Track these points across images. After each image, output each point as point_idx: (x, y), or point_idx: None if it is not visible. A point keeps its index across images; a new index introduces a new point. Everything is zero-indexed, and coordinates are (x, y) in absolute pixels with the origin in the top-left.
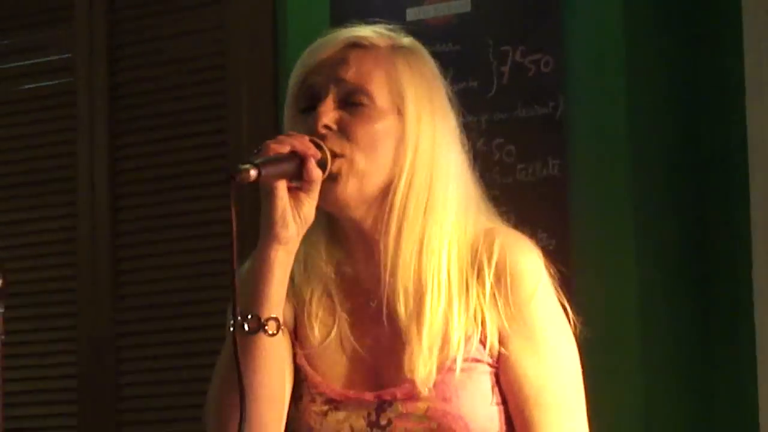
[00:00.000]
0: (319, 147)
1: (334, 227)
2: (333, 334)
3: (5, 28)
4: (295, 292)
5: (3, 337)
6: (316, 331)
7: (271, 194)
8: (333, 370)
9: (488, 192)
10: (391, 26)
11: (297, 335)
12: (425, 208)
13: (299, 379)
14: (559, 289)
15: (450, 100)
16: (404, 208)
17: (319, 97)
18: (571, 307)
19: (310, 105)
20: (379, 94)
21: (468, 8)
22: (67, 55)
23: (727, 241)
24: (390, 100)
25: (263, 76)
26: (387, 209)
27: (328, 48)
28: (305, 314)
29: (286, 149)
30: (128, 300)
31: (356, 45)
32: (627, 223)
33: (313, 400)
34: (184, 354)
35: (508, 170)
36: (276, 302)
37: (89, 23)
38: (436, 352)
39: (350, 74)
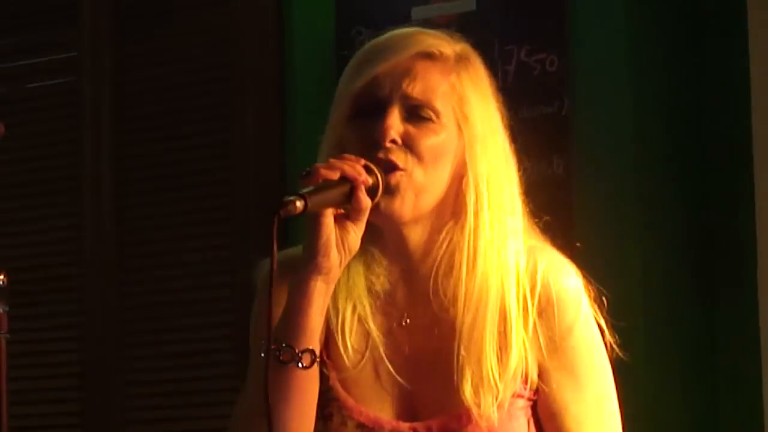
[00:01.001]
0: (369, 171)
1: (371, 245)
2: (366, 356)
3: (10, 27)
4: (327, 314)
5: (7, 335)
6: (350, 353)
7: (316, 222)
8: (366, 393)
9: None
10: (447, 30)
11: (329, 355)
12: (500, 225)
13: (329, 397)
14: (597, 310)
15: (498, 107)
16: (483, 224)
17: (383, 107)
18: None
19: (372, 110)
20: (444, 109)
21: (473, 7)
22: (72, 54)
23: (733, 239)
24: (452, 115)
25: (269, 76)
26: (466, 228)
27: (395, 57)
28: (339, 334)
29: (336, 175)
30: (133, 299)
31: (426, 55)
32: (632, 222)
33: (344, 423)
34: (189, 353)
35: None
36: (312, 334)
37: (94, 22)
38: (500, 389)
39: (417, 89)
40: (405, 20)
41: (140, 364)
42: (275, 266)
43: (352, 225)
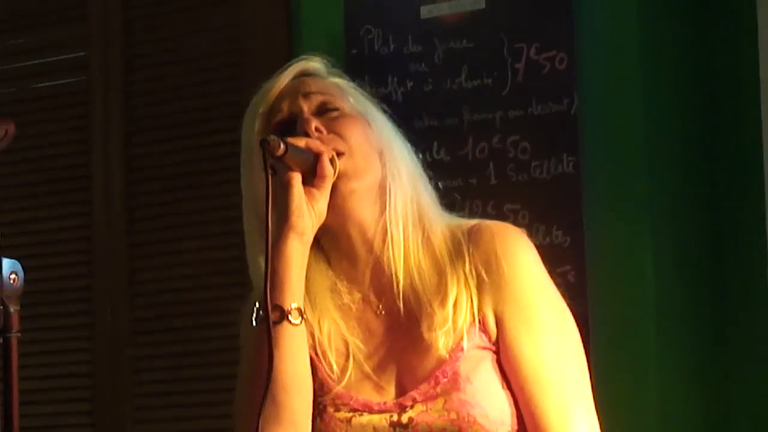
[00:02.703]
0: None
1: (330, 246)
2: (351, 363)
3: (20, 26)
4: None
5: (18, 334)
6: (334, 367)
7: (287, 185)
8: (356, 383)
9: (505, 189)
10: (324, 59)
11: (318, 355)
12: (418, 205)
13: (323, 392)
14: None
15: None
16: (402, 202)
17: (295, 116)
18: (584, 303)
19: (284, 129)
20: (344, 103)
21: (482, 5)
22: (81, 54)
23: (744, 235)
24: (355, 110)
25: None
26: (389, 199)
27: (281, 82)
28: (318, 353)
29: (302, 143)
30: (143, 298)
31: (303, 73)
32: (642, 219)
33: (338, 410)
34: (200, 352)
35: (523, 167)
36: (296, 291)
37: (104, 22)
38: (447, 321)
39: (313, 88)
40: (414, 19)
41: (150, 363)
42: (270, 198)
43: (318, 192)
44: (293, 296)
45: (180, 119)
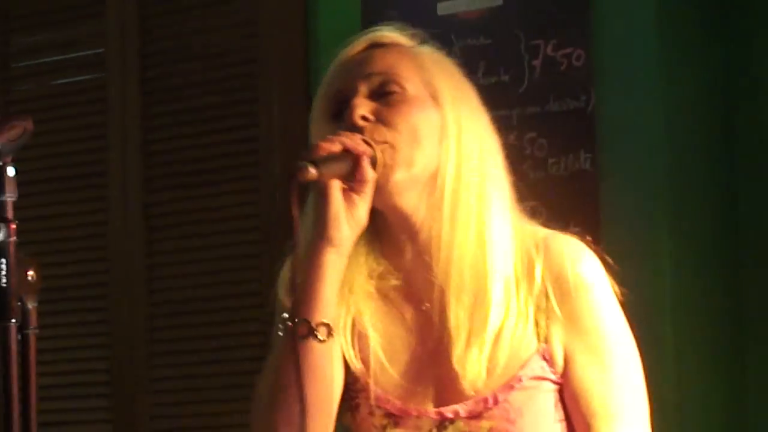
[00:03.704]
0: (368, 144)
1: (377, 236)
2: (385, 349)
3: (37, 23)
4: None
5: (36, 331)
6: (370, 350)
7: (324, 194)
8: (392, 382)
9: (519, 186)
10: (413, 31)
11: (355, 347)
12: (479, 196)
13: (357, 388)
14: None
15: (480, 101)
16: (456, 193)
17: (349, 98)
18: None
19: (340, 109)
20: (410, 82)
21: (499, 2)
22: (98, 51)
23: (762, 234)
24: (422, 89)
25: (294, 70)
26: (438, 197)
27: (350, 51)
28: (353, 335)
29: (338, 148)
30: (161, 294)
31: (378, 44)
32: (660, 217)
33: (372, 413)
34: (217, 348)
35: (540, 164)
36: (328, 307)
37: (121, 19)
38: (487, 349)
39: (377, 67)
40: (431, 16)
41: (167, 359)
42: (297, 230)
43: (358, 197)
44: (323, 312)
45: (197, 116)
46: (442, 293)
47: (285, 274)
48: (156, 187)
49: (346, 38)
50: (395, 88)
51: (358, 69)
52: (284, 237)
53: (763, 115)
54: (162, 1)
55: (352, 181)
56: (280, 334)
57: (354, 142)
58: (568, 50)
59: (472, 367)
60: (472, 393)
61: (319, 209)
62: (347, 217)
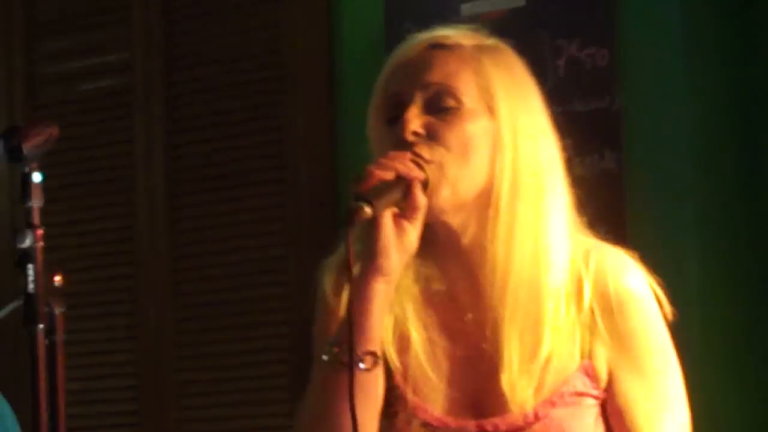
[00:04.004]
0: (419, 166)
1: (427, 244)
2: (426, 355)
3: (62, 29)
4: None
5: (64, 336)
6: (409, 356)
7: (375, 225)
8: (431, 391)
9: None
10: (474, 27)
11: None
12: (536, 212)
13: (395, 395)
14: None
15: (543, 101)
16: (513, 211)
17: (405, 104)
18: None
19: (396, 114)
20: (468, 94)
21: (522, 2)
22: (123, 56)
23: None
24: (480, 100)
25: (318, 74)
26: (492, 215)
27: (410, 52)
28: (394, 335)
29: (390, 176)
30: (187, 298)
31: (439, 46)
32: (686, 216)
33: (409, 422)
34: (243, 351)
35: (565, 163)
36: (374, 336)
37: (145, 24)
38: (537, 375)
39: (435, 76)
40: (454, 16)
41: (194, 362)
42: (352, 270)
43: (409, 224)
44: (370, 341)
45: (221, 119)
46: (495, 314)
47: (321, 308)
48: (181, 191)
49: (369, 40)
50: (451, 102)
51: (416, 75)
52: (310, 240)
53: None
54: (186, 6)
55: (403, 206)
56: (325, 359)
57: (407, 167)
58: (593, 50)
59: (522, 392)
60: (517, 412)
61: (370, 240)
62: (397, 246)
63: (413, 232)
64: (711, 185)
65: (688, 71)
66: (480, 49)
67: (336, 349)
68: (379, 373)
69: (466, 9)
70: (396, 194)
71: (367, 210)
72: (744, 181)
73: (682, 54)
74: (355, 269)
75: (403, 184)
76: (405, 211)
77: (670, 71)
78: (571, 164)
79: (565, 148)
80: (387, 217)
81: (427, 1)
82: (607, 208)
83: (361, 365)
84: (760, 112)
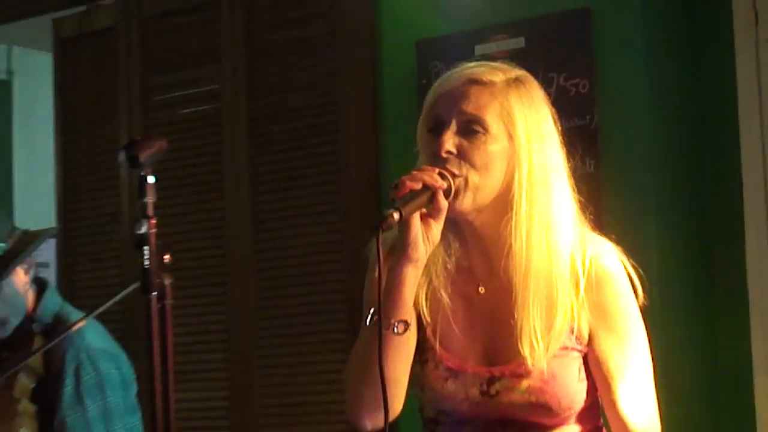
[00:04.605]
0: (443, 176)
1: (454, 228)
2: (452, 317)
3: (169, 67)
4: (421, 284)
5: (171, 302)
6: (439, 316)
7: (406, 223)
8: (454, 344)
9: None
10: (505, 62)
11: (422, 327)
12: (547, 214)
13: (426, 347)
14: (633, 280)
15: (554, 120)
16: (530, 214)
17: (444, 123)
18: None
19: (436, 127)
20: (493, 122)
21: (522, 44)
22: (215, 87)
23: (727, 223)
24: (502, 127)
25: (365, 100)
26: (513, 217)
27: (453, 83)
28: (427, 293)
29: (419, 185)
30: (266, 272)
31: (475, 81)
32: (649, 210)
33: (436, 367)
34: (311, 312)
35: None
36: (405, 309)
37: (232, 63)
38: (550, 343)
39: (469, 107)
40: (470, 55)
41: (271, 321)
42: (382, 273)
43: (434, 222)
44: (401, 312)
45: (292, 135)
46: (518, 295)
47: (369, 281)
48: (260, 190)
49: (405, 74)
50: (479, 129)
51: (455, 104)
52: (359, 226)
53: (726, 129)
54: (263, 48)
55: (430, 208)
56: (367, 325)
57: (432, 179)
58: (576, 81)
59: (539, 358)
60: (530, 366)
61: (402, 235)
62: (424, 239)
63: (437, 228)
64: (666, 185)
65: (649, 98)
66: (508, 83)
67: (375, 318)
68: (409, 335)
69: (478, 50)
70: (423, 200)
71: (395, 216)
72: (692, 181)
73: (644, 84)
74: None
75: (429, 191)
76: (431, 212)
77: (635, 97)
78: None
79: (566, 157)
80: (416, 218)
81: (448, 44)
82: (586, 203)
83: (395, 330)
84: (705, 129)
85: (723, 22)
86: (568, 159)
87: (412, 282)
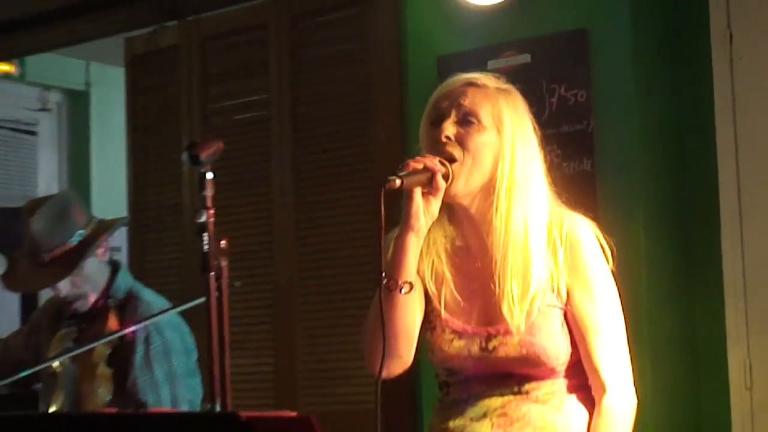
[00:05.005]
0: (443, 164)
1: (451, 215)
2: (453, 288)
3: (224, 79)
4: (427, 265)
5: (227, 280)
6: (443, 288)
7: (409, 197)
8: (456, 311)
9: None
10: (496, 74)
11: (429, 299)
12: (524, 199)
13: (434, 315)
14: (609, 252)
15: (534, 128)
16: (509, 198)
17: (444, 116)
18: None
19: (437, 120)
20: (485, 117)
21: (528, 60)
22: (264, 96)
23: (703, 214)
24: (492, 123)
25: (393, 111)
26: (495, 199)
27: (453, 84)
28: (432, 270)
29: (420, 166)
30: (307, 255)
31: (472, 84)
32: (637, 201)
33: (443, 331)
34: (347, 289)
35: (556, 167)
36: (409, 271)
37: (278, 75)
38: (525, 305)
39: (466, 102)
40: (483, 69)
41: (312, 297)
42: (383, 225)
43: (433, 199)
44: (405, 275)
45: (330, 138)
46: (498, 267)
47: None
48: (302, 185)
49: (427, 85)
50: (474, 120)
51: (454, 100)
52: (386, 217)
53: (704, 133)
54: (305, 62)
55: (429, 188)
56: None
57: (432, 163)
58: (575, 91)
59: (517, 318)
60: (512, 325)
61: (406, 207)
62: (424, 212)
63: (435, 204)
64: (653, 181)
65: (638, 106)
66: (498, 90)
67: (384, 281)
68: (415, 295)
69: (490, 64)
70: (422, 178)
71: (397, 182)
72: (675, 178)
73: (634, 94)
74: (395, 230)
75: (430, 172)
76: (431, 190)
77: (626, 106)
78: (560, 167)
79: (554, 157)
80: (417, 193)
81: (465, 59)
82: (584, 196)
83: (402, 291)
84: (686, 133)
85: (702, 41)
86: (546, 160)
87: (415, 249)
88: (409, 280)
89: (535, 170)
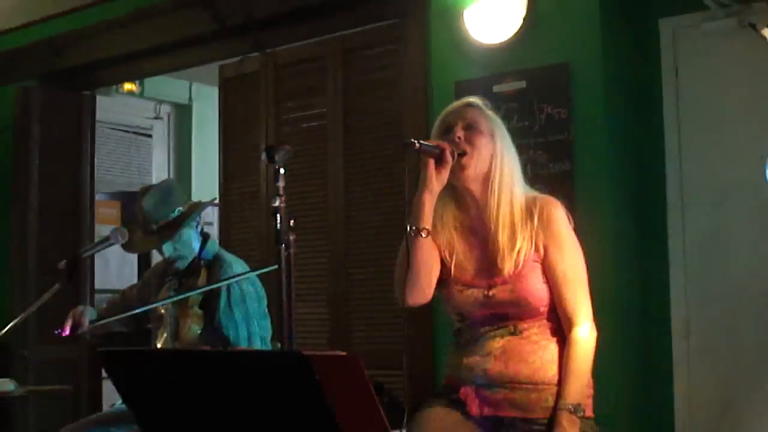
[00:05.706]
0: (452, 152)
1: (457, 198)
2: (462, 254)
3: (291, 96)
4: (441, 240)
5: (294, 251)
6: (454, 254)
7: (425, 166)
8: (465, 270)
9: (535, 178)
10: (486, 102)
11: (445, 264)
12: (510, 185)
13: (447, 275)
14: (572, 223)
15: (510, 138)
16: (501, 183)
17: (452, 126)
18: (578, 235)
19: (447, 130)
20: (484, 127)
21: (524, 85)
22: (322, 110)
23: (655, 201)
24: (487, 130)
25: (419, 121)
26: (491, 184)
27: (456, 106)
28: (445, 241)
29: (435, 143)
30: (355, 236)
31: (470, 105)
32: (606, 194)
33: (456, 284)
34: (384, 260)
35: (544, 167)
36: (427, 220)
37: (334, 93)
38: (513, 257)
39: (468, 116)
40: (489, 92)
41: (358, 273)
42: (408, 179)
43: (443, 169)
44: (424, 222)
45: (372, 143)
46: (493, 232)
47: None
48: (351, 179)
49: (445, 106)
50: (476, 127)
51: (459, 115)
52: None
53: (656, 142)
54: (355, 86)
55: (440, 162)
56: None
57: (443, 143)
58: (558, 109)
59: (509, 266)
60: (506, 274)
61: (423, 173)
62: (437, 177)
63: (445, 173)
64: (617, 179)
65: (607, 122)
66: (486, 111)
67: (408, 228)
68: (431, 241)
69: (495, 88)
70: (436, 151)
71: (416, 144)
72: (634, 177)
73: (605, 112)
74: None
75: (440, 148)
76: (441, 163)
77: (597, 122)
78: (546, 167)
79: (541, 159)
80: (431, 164)
81: (476, 84)
82: (565, 189)
83: (422, 234)
84: (642, 141)
85: (655, 73)
86: (521, 157)
87: (430, 205)
88: (427, 227)
89: (516, 167)
